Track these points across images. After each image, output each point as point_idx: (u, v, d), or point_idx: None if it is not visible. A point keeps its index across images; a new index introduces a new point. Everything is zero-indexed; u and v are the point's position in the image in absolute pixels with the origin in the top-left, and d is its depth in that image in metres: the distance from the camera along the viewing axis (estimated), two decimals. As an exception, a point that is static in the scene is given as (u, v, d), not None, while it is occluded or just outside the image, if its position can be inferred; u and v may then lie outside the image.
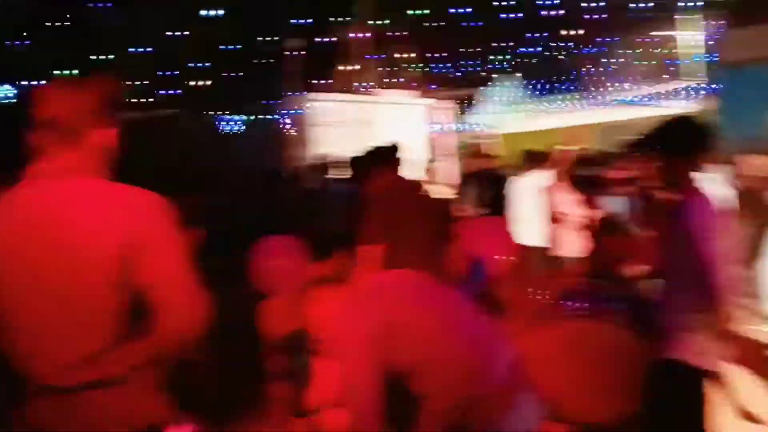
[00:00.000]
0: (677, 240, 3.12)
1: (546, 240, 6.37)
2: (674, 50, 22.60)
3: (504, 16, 22.12)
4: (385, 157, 4.76)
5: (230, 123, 18.57)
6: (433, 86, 26.47)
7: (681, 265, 3.09)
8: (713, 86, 21.04)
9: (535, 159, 7.14)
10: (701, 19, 19.71)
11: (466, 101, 30.91)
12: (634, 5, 20.39)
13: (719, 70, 20.41)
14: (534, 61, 27.68)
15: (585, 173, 5.91)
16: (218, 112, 18.58)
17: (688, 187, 3.18)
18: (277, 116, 17.44)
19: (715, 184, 6.07)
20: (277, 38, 21.92)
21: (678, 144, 3.22)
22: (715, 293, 2.97)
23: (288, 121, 17.04)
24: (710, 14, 19.65)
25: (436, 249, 4.22)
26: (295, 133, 17.00)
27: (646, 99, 24.61)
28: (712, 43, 21.00)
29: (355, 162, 5.26)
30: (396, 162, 4.81)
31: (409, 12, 22.06)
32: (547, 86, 29.46)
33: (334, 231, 8.27)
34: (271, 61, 22.24)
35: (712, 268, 2.96)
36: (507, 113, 28.60)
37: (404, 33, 23.00)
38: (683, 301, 3.10)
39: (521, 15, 21.89)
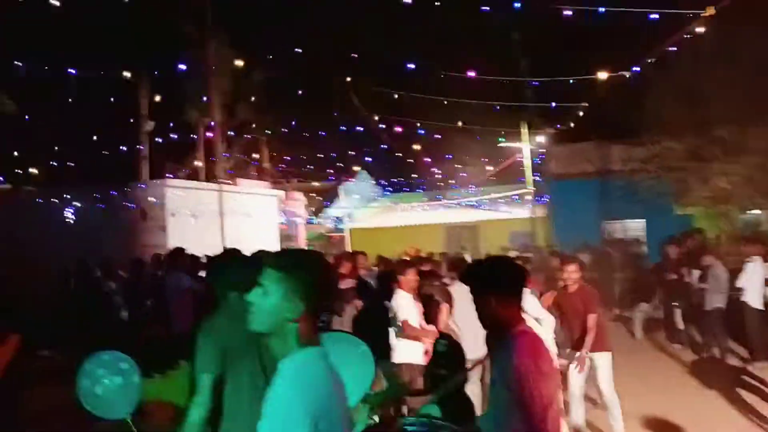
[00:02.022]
0: (501, 382, 2.92)
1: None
2: (512, 161, 24.59)
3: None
4: None
5: (73, 205, 17.41)
6: (288, 179, 26.89)
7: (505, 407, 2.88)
8: (544, 195, 23.01)
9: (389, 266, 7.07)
10: (534, 136, 21.70)
11: (319, 195, 31.65)
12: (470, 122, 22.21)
13: (547, 181, 22.57)
14: (383, 161, 28.96)
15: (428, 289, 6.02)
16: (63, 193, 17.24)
17: (509, 326, 3.01)
18: (129, 201, 16.54)
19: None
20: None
21: (490, 283, 3.08)
22: None
23: (143, 207, 16.31)
24: (538, 133, 21.68)
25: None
26: (148, 220, 16.42)
27: (487, 203, 26.37)
28: (543, 157, 23.06)
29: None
30: None
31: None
32: (397, 185, 30.75)
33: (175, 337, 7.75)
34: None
35: (533, 411, 2.79)
36: (358, 209, 29.56)
37: (261, 133, 23.51)
38: None
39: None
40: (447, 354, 4.18)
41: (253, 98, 22.55)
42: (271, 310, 2.10)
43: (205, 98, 20.05)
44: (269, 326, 2.12)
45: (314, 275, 2.14)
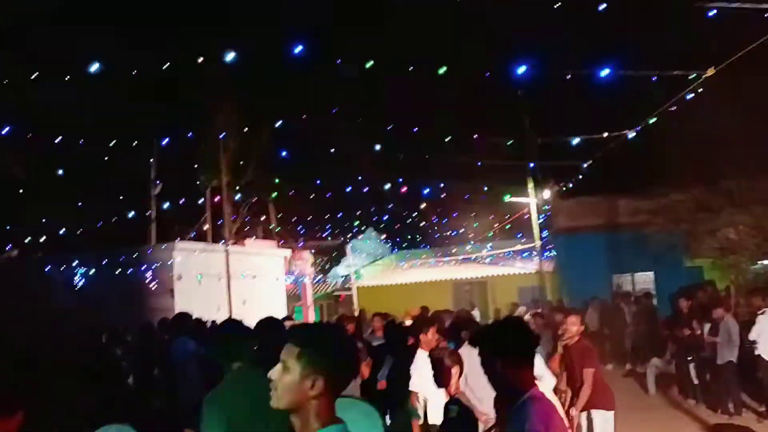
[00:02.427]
0: None
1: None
2: (518, 216, 24.59)
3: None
4: None
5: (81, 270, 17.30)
6: (295, 238, 26.94)
7: None
8: (551, 249, 22.93)
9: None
10: (538, 190, 21.68)
11: (326, 254, 31.62)
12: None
13: (554, 235, 22.50)
14: (389, 218, 29.05)
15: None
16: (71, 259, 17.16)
17: (521, 390, 2.98)
18: (140, 265, 16.42)
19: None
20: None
21: (498, 348, 3.05)
22: None
23: (151, 271, 16.18)
24: (545, 187, 21.69)
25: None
26: (156, 285, 16.35)
27: (494, 259, 26.27)
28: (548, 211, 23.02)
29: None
30: None
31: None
32: (403, 243, 30.73)
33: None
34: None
35: None
36: (365, 267, 29.45)
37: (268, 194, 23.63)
38: None
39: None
40: (458, 418, 4.10)
41: (259, 161, 22.76)
42: (292, 386, 2.06)
43: (212, 161, 20.29)
44: (290, 403, 2.07)
45: (334, 351, 2.11)
